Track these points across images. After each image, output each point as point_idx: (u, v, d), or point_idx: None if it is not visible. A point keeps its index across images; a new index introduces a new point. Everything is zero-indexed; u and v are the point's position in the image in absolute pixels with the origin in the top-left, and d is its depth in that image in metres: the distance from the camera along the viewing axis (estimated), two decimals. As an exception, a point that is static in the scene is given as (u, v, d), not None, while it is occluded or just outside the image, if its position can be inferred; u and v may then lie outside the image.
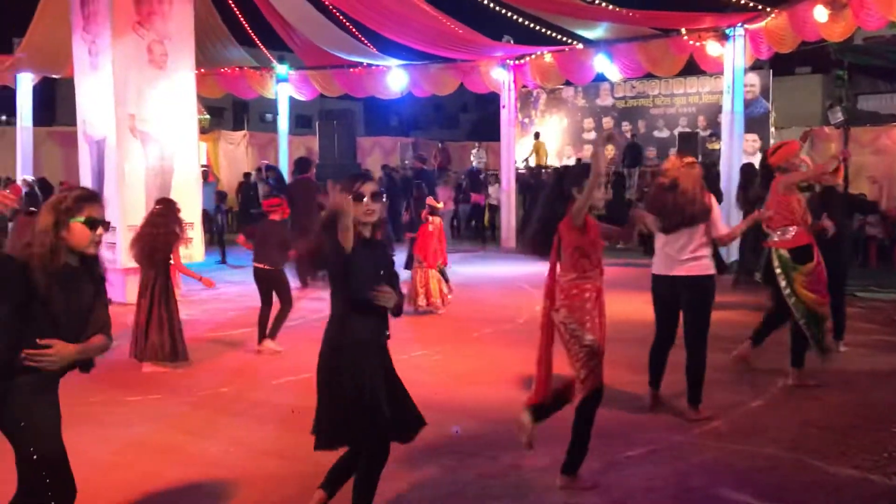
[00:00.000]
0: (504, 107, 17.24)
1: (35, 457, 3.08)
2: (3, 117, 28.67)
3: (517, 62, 16.77)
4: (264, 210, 8.45)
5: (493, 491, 4.47)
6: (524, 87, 18.73)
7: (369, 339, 3.65)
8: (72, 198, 3.23)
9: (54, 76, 17.66)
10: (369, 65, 17.85)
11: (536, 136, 22.21)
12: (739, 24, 13.27)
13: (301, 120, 35.59)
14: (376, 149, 26.05)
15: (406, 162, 21.15)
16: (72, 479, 3.21)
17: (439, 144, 24.26)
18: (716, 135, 18.57)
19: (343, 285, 3.62)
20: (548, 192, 4.54)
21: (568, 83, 19.39)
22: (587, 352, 4.28)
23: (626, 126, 22.18)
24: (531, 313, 9.61)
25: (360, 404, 3.56)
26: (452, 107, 46.90)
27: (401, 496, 4.37)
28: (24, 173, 17.38)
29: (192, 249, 10.99)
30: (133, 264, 9.98)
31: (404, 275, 11.68)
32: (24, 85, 17.61)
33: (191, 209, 11.20)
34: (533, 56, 16.43)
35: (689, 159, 5.74)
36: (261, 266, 7.82)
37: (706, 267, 5.55)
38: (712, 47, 13.72)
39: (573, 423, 4.36)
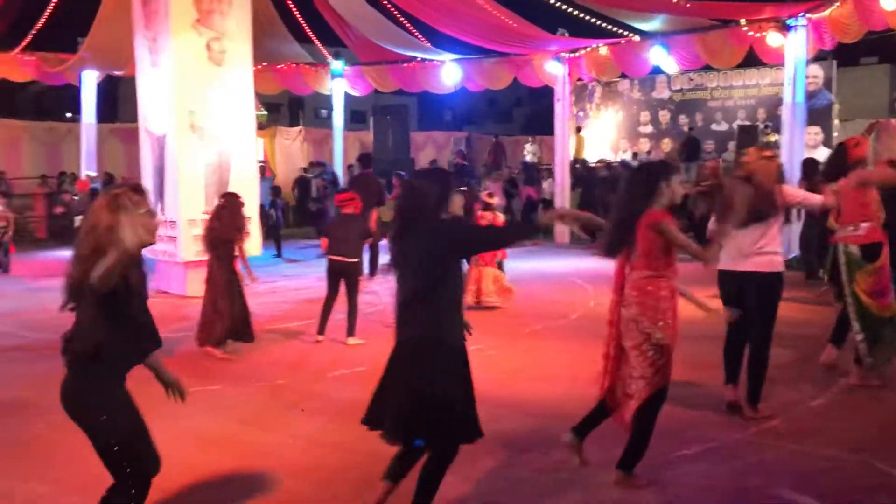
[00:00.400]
0: (559, 100, 17.10)
1: (115, 448, 3.20)
2: (69, 114, 29.54)
3: (572, 55, 16.61)
4: (336, 204, 8.63)
5: (546, 487, 4.45)
6: (579, 80, 18.56)
7: (461, 339, 3.71)
8: (129, 192, 3.32)
9: (117, 74, 18.11)
10: (423, 59, 17.89)
11: (577, 130, 22.06)
12: (801, 14, 12.92)
13: (355, 115, 35.88)
14: (429, 143, 26.15)
15: (459, 158, 21.13)
16: (151, 469, 3.33)
17: (493, 139, 24.23)
18: (772, 127, 18.15)
19: (446, 283, 3.67)
20: (626, 190, 4.43)
21: (623, 76, 19.15)
22: (656, 350, 4.20)
23: (682, 119, 21.85)
24: (585, 309, 9.53)
25: (444, 406, 3.62)
26: (506, 101, 46.75)
27: (455, 491, 4.38)
28: (87, 169, 17.93)
29: (250, 243, 11.15)
30: (193, 258, 10.26)
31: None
32: (88, 83, 18.11)
33: (248, 204, 11.36)
34: (588, 49, 16.26)
35: (769, 153, 5.60)
36: (337, 258, 7.96)
37: (776, 263, 5.39)
38: (773, 38, 13.38)
39: (634, 421, 4.31)
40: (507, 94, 34.60)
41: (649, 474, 4.46)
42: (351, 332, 7.97)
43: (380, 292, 10.36)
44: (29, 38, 16.77)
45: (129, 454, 3.23)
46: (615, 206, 4.46)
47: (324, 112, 35.42)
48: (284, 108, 40.29)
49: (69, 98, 24.19)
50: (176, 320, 8.84)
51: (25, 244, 16.79)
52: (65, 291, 3.26)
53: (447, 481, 4.30)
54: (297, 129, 26.07)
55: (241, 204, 7.73)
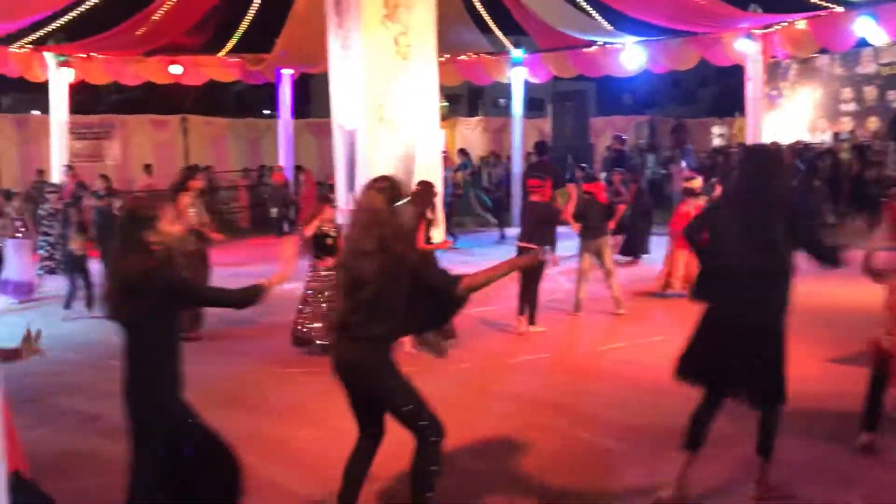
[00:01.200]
0: (749, 80, 16.19)
1: (409, 407, 3.59)
2: (267, 111, 31.60)
3: (765, 31, 15.67)
4: (527, 191, 8.74)
5: (735, 484, 4.28)
6: (773, 57, 17.47)
7: None
8: (394, 183, 3.68)
9: (310, 71, 19.15)
10: (604, 43, 17.53)
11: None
12: None
13: (533, 103, 35.74)
14: (609, 128, 25.62)
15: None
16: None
17: (675, 121, 23.34)
18: None
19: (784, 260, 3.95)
20: None
21: (823, 51, 17.80)
22: None
23: (891, 95, 20.03)
24: (807, 305, 8.97)
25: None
26: (690, 82, 44.86)
27: (647, 483, 4.31)
28: (285, 162, 19.14)
29: (432, 232, 11.49)
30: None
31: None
32: (285, 81, 19.29)
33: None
34: (784, 24, 15.26)
35: None
36: (522, 245, 8.09)
37: None
38: None
39: None
40: (691, 74, 33.12)
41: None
42: (532, 319, 8.02)
43: (559, 279, 10.32)
44: (233, 41, 18.13)
45: (420, 410, 3.62)
46: None
47: (502, 101, 35.62)
48: (464, 99, 40.92)
49: (267, 96, 25.88)
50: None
51: (230, 233, 18.19)
52: (346, 283, 3.63)
53: (635, 473, 4.24)
54: (476, 118, 26.46)
55: (434, 193, 7.95)
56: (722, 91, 39.34)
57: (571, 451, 4.79)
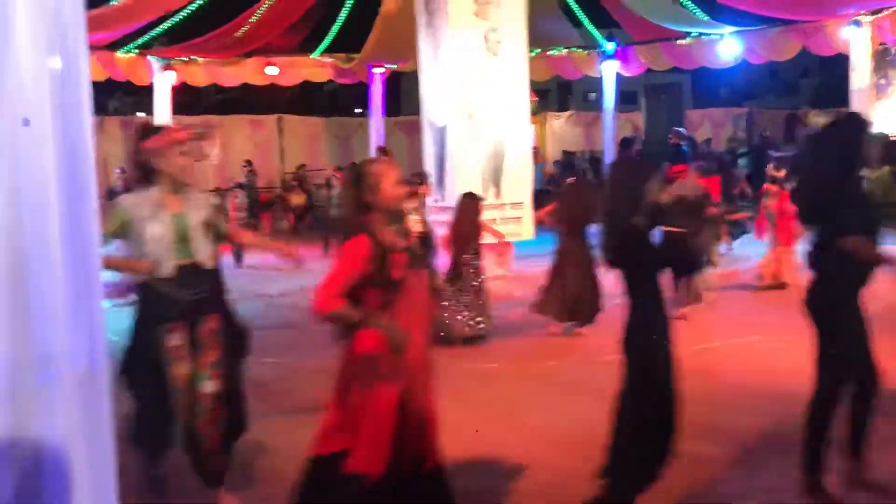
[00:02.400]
0: (855, 69, 15.45)
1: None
2: (358, 110, 32.12)
3: (874, 17, 14.92)
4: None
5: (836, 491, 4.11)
6: (882, 44, 16.61)
7: None
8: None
9: (400, 69, 19.33)
10: (700, 34, 17.05)
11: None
12: None
13: (625, 96, 35.08)
14: (706, 122, 24.91)
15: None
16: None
17: (794, 112, 22.47)
18: None
19: None
20: None
21: (938, 35, 16.81)
22: None
23: None
24: (889, 300, 8.55)
25: None
26: (791, 72, 43.19)
27: (738, 485, 4.19)
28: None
29: (522, 227, 11.46)
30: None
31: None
32: (376, 80, 19.56)
33: (523, 189, 11.65)
34: (894, 8, 14.50)
35: None
36: None
37: None
38: None
39: None
40: (791, 64, 31.89)
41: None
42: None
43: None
44: (326, 41, 18.53)
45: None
46: None
47: (592, 95, 35.13)
48: (553, 94, 40.56)
49: (358, 95, 26.30)
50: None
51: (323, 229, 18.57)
52: None
53: (734, 477, 4.13)
54: (566, 113, 26.20)
55: (589, 190, 7.98)
56: (824, 81, 37.73)
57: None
